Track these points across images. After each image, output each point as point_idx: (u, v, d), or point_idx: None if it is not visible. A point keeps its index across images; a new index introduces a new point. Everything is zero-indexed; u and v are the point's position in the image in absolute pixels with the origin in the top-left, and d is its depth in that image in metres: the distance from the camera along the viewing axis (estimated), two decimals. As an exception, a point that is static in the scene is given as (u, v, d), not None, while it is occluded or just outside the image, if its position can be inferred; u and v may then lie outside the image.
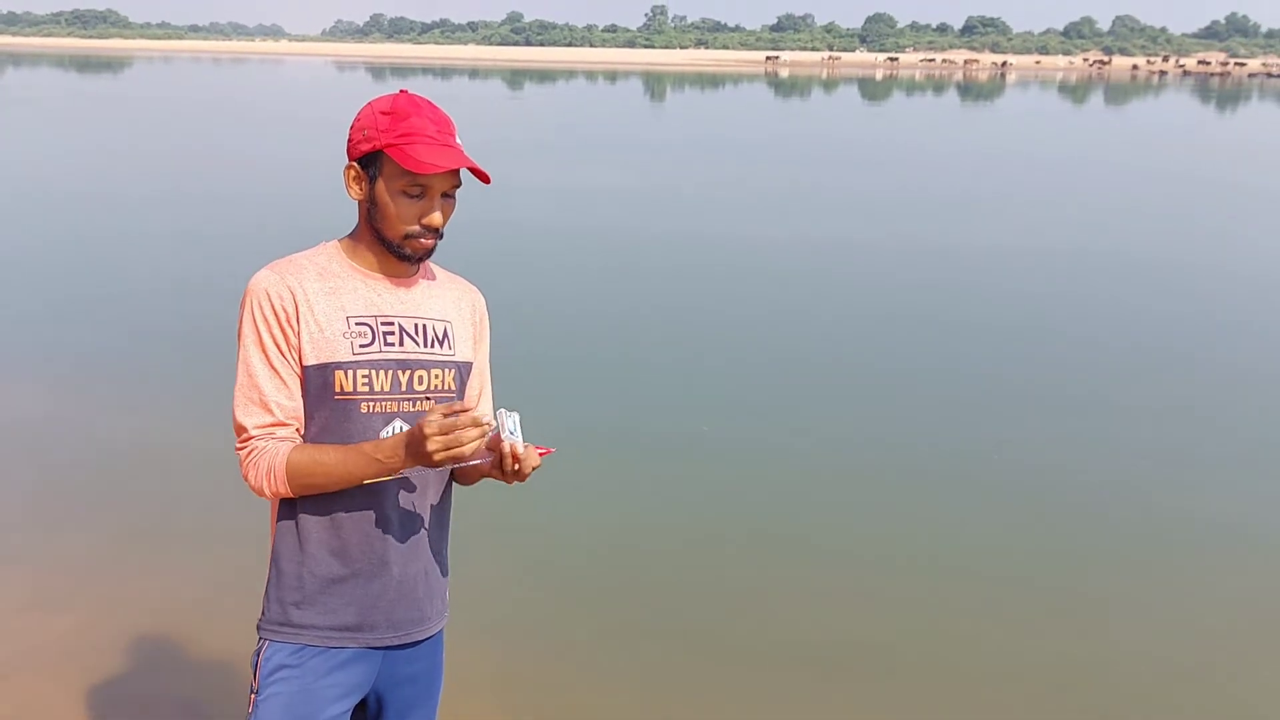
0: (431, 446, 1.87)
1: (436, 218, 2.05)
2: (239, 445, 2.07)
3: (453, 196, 2.09)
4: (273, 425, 2.04)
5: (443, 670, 2.34)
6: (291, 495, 2.05)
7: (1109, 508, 5.63)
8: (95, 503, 5.37)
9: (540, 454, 2.02)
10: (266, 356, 2.03)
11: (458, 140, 2.06)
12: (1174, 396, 7.53)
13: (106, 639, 4.11)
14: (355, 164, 2.08)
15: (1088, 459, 6.32)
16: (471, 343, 2.24)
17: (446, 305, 2.19)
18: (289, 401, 2.05)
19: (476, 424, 1.88)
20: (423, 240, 2.06)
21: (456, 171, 2.05)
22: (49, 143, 22.99)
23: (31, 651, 4.01)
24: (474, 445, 1.88)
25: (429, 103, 2.07)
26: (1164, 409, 7.26)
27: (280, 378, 2.04)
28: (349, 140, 2.08)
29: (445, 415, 1.88)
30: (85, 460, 5.93)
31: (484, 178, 2.07)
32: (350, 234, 2.15)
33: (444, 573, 2.27)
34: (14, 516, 5.16)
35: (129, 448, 6.11)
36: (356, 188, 2.09)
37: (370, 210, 2.07)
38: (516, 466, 1.98)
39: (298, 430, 2.07)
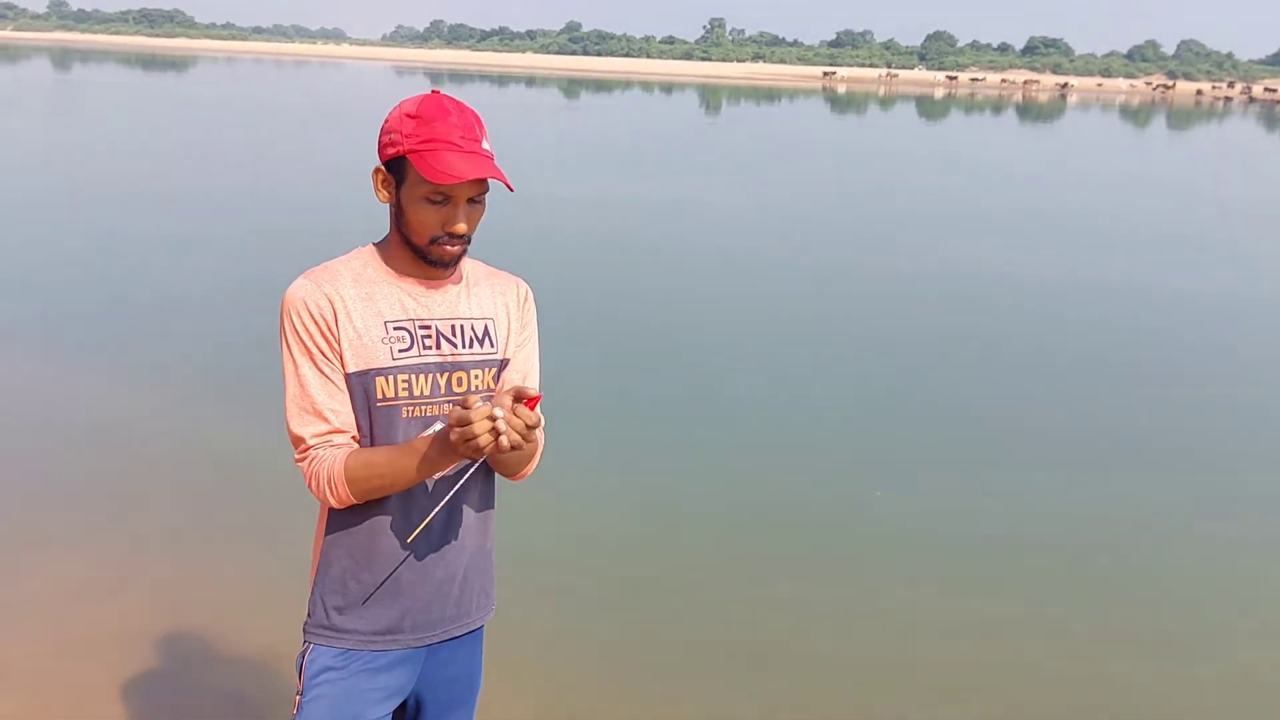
0: (452, 438, 1.86)
1: (461, 226, 2.01)
2: (298, 457, 2.05)
3: (480, 202, 2.05)
4: (330, 432, 2.03)
5: (481, 670, 2.34)
6: (356, 501, 2.04)
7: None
8: (148, 494, 5.46)
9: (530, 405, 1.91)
10: (315, 364, 2.01)
11: (485, 145, 2.01)
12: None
13: (155, 628, 4.17)
14: (383, 167, 2.05)
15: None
16: (516, 337, 2.20)
17: (485, 303, 2.16)
18: (343, 408, 2.03)
19: (489, 417, 1.83)
20: (448, 247, 2.03)
21: (482, 178, 2.00)
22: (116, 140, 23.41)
23: (81, 638, 4.08)
24: (487, 437, 1.84)
25: (458, 105, 2.01)
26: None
27: (332, 383, 2.03)
28: (379, 143, 2.05)
29: (464, 406, 1.85)
30: (140, 452, 6.03)
31: (507, 186, 2.03)
32: (384, 238, 2.13)
33: (488, 567, 2.27)
34: (68, 505, 5.25)
35: (184, 441, 6.20)
36: (385, 192, 2.06)
37: (397, 215, 2.05)
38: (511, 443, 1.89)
39: (354, 437, 2.05)
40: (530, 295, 2.26)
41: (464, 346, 2.11)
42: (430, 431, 2.05)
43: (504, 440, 1.83)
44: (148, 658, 3.99)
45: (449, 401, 2.08)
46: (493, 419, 1.82)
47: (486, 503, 2.24)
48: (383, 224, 2.11)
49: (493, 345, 2.14)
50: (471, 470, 2.04)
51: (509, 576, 4.20)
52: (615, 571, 4.93)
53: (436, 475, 2.06)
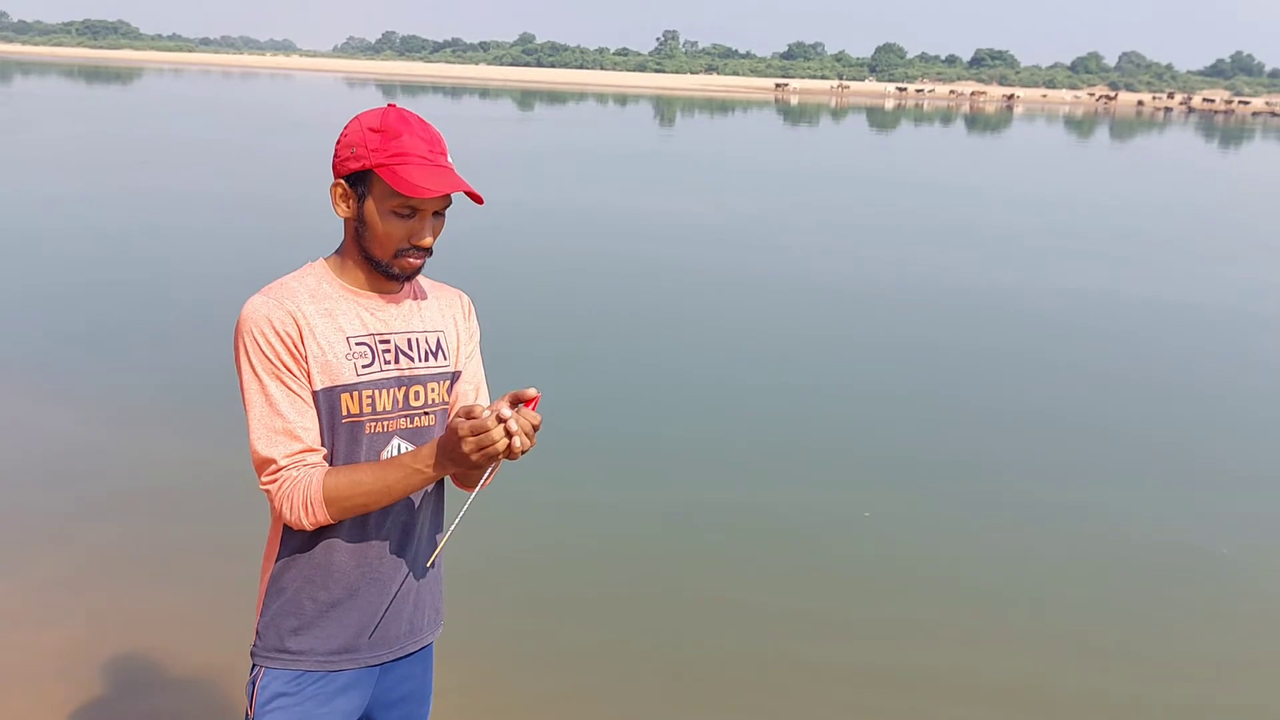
0: (466, 448, 1.86)
1: (428, 238, 2.02)
2: (267, 480, 1.98)
3: (443, 214, 2.06)
4: (303, 452, 1.97)
5: (432, 689, 2.33)
6: (333, 521, 1.99)
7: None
8: (85, 517, 5.29)
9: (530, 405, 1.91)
10: (283, 382, 1.97)
11: (449, 159, 2.02)
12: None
13: (97, 655, 4.06)
14: (343, 182, 2.02)
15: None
16: (465, 349, 2.21)
17: (435, 315, 2.17)
18: (313, 425, 1.99)
19: (500, 419, 1.86)
20: (412, 259, 2.03)
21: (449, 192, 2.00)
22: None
23: (21, 667, 3.95)
24: (504, 441, 1.86)
25: (419, 119, 2.02)
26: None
27: (302, 400, 1.98)
28: (336, 156, 2.03)
29: (468, 417, 1.87)
30: (75, 473, 5.85)
31: (477, 199, 2.03)
32: (336, 252, 2.10)
33: (439, 583, 2.28)
34: (3, 530, 5.09)
35: (119, 461, 6.04)
36: (344, 206, 2.03)
37: (359, 229, 2.03)
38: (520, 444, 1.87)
39: (325, 456, 2.01)
40: (472, 306, 2.29)
41: (420, 360, 2.11)
42: (391, 449, 2.05)
43: (516, 443, 1.86)
44: (89, 685, 3.87)
45: (405, 415, 2.07)
46: (503, 419, 1.85)
47: (439, 518, 2.24)
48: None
49: (445, 358, 2.15)
50: (485, 481, 1.98)
51: (472, 588, 4.17)
52: (574, 585, 4.87)
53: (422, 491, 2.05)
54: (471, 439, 1.84)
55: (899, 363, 9.08)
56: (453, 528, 1.98)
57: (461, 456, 1.86)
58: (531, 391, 1.90)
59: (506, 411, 1.84)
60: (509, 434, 1.84)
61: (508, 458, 1.87)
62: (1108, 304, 11.84)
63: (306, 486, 1.95)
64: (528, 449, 1.87)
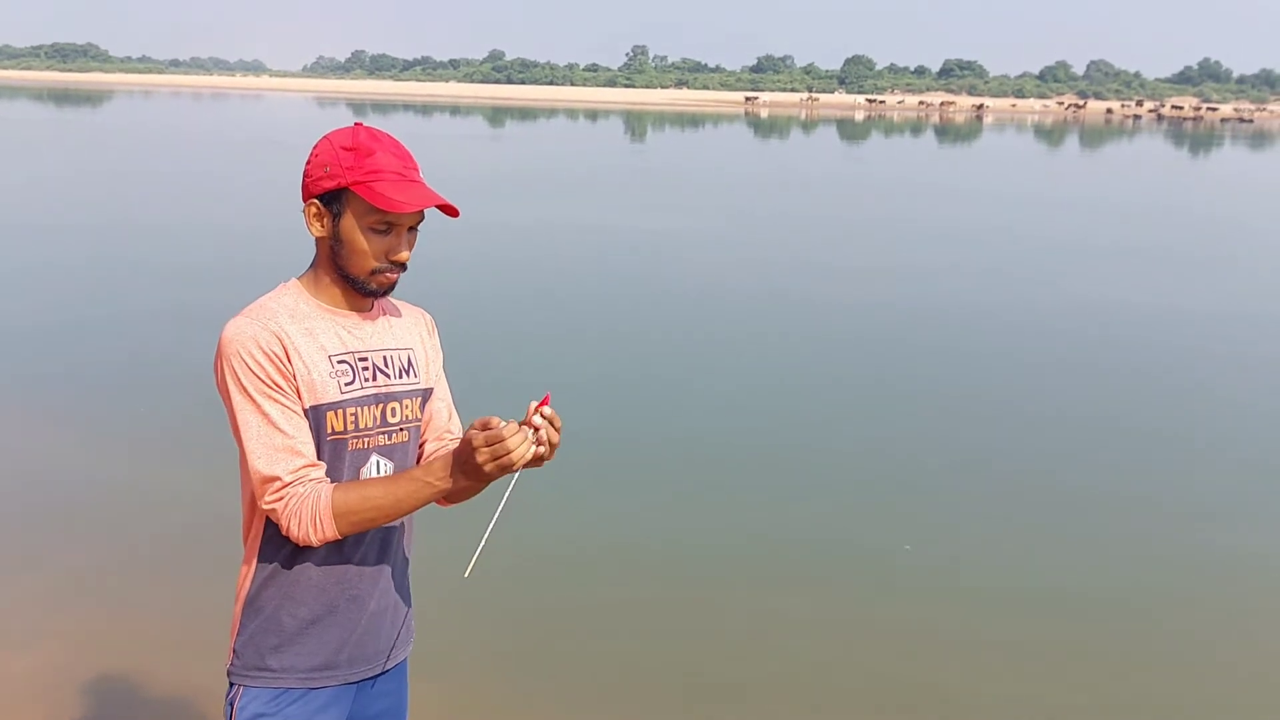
0: (480, 459, 1.87)
1: (405, 253, 2.05)
2: (272, 498, 1.97)
3: (416, 230, 2.08)
4: (306, 467, 1.98)
5: (407, 704, 2.34)
6: (340, 537, 2.00)
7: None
8: (56, 540, 5.26)
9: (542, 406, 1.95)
10: (277, 401, 1.97)
11: (419, 174, 2.06)
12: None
13: (73, 678, 4.03)
14: (317, 201, 2.03)
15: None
16: (433, 366, 2.25)
17: (405, 333, 2.20)
18: (310, 440, 2.00)
19: (516, 429, 1.87)
20: (389, 275, 2.06)
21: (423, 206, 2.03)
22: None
23: (-5, 691, 3.91)
24: (521, 451, 1.87)
25: (389, 136, 2.05)
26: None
27: (299, 417, 1.99)
28: (307, 176, 2.04)
29: (483, 428, 1.88)
30: (44, 496, 5.81)
31: (453, 212, 2.06)
32: (309, 271, 2.12)
33: (408, 600, 2.28)
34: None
35: (89, 483, 6.00)
36: (319, 225, 2.05)
37: (334, 247, 2.04)
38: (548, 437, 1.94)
39: (327, 472, 2.02)
40: (435, 324, 2.32)
41: (396, 377, 2.13)
42: (370, 466, 2.07)
43: (542, 450, 1.91)
44: (65, 709, 3.84)
45: (383, 432, 2.10)
46: (536, 428, 1.89)
47: (410, 537, 2.26)
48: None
49: (416, 375, 2.18)
50: (510, 488, 1.99)
51: (458, 597, 4.15)
52: (568, 595, 4.85)
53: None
54: (486, 449, 1.85)
55: (915, 370, 9.12)
56: (484, 541, 1.97)
57: (475, 468, 1.87)
58: (537, 406, 1.93)
59: (539, 419, 1.89)
60: (539, 443, 1.89)
61: (528, 466, 1.89)
62: (1135, 313, 11.89)
63: (315, 502, 1.95)
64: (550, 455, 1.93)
